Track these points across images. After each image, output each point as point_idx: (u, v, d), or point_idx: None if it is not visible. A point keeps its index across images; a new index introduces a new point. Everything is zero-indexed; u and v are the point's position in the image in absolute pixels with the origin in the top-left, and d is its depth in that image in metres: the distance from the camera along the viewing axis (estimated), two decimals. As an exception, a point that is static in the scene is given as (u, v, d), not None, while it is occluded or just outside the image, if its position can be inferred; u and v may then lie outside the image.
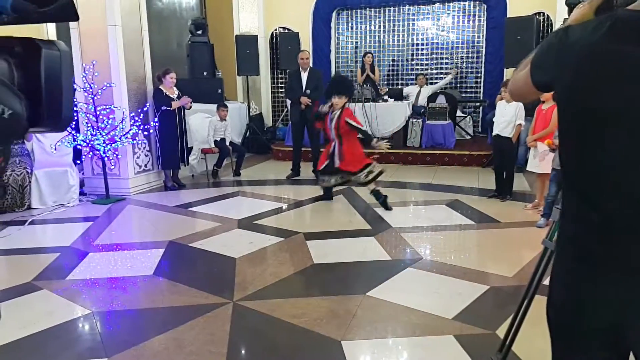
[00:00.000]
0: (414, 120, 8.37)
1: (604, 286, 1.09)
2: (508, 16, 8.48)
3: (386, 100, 8.49)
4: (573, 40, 1.11)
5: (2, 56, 0.45)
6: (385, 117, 8.23)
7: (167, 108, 6.26)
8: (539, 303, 2.78)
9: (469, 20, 9.73)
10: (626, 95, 1.03)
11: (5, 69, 0.44)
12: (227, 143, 7.20)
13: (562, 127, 1.18)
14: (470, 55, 9.84)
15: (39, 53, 0.46)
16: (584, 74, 1.08)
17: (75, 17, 0.53)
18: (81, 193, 6.06)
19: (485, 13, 9.40)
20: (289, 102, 8.03)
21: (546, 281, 3.14)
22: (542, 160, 4.93)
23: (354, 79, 9.78)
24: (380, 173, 5.35)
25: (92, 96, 5.76)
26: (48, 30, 7.48)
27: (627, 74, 1.03)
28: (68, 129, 5.61)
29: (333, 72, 10.35)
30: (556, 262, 1.22)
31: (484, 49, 9.52)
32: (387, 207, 5.26)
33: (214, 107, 7.33)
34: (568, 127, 1.16)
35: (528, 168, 5.31)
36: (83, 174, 6.37)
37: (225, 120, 7.17)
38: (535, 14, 8.11)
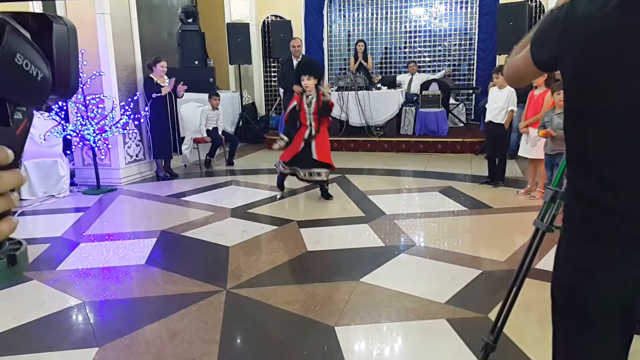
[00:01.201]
0: (407, 108, 8.34)
1: (619, 267, 1.07)
2: (500, 2, 8.44)
3: (379, 88, 8.45)
4: (581, 14, 1.07)
5: (23, 28, 0.47)
6: (379, 105, 8.20)
7: (158, 94, 6.20)
8: (530, 287, 2.79)
9: (461, 8, 9.68)
10: None
11: (29, 38, 0.47)
12: (220, 132, 7.15)
13: (570, 104, 1.14)
14: (462, 42, 9.80)
15: (51, 27, 0.49)
16: (597, 48, 1.04)
17: None
18: (72, 184, 6.01)
19: (478, 0, 9.35)
20: (281, 90, 7.98)
21: (538, 263, 3.12)
22: (534, 145, 4.94)
23: (347, 67, 9.75)
24: (326, 181, 5.21)
25: (82, 85, 5.68)
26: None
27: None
28: (57, 118, 5.56)
29: (326, 61, 10.29)
30: (563, 244, 1.19)
31: (476, 36, 9.48)
32: (328, 196, 5.27)
33: (205, 96, 7.27)
34: (578, 104, 1.12)
35: (520, 153, 5.32)
36: (73, 164, 6.31)
37: (217, 109, 7.11)
38: (527, 0, 8.07)
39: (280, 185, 5.56)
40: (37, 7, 6.35)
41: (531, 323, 2.68)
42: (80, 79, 5.56)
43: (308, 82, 4.98)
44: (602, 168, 1.07)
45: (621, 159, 1.05)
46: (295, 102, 5.10)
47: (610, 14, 1.02)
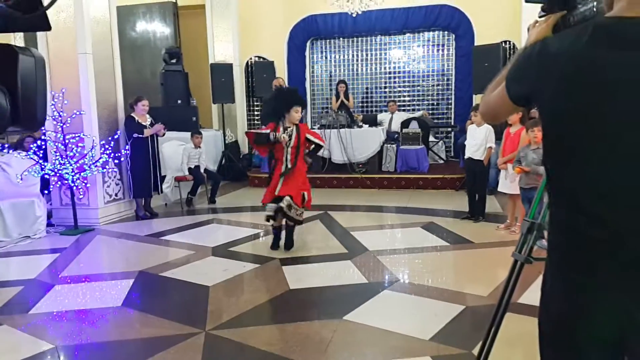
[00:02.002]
0: (389, 145, 8.46)
1: (608, 297, 1.07)
2: (475, 45, 8.75)
3: (361, 126, 8.59)
4: (555, 51, 1.10)
5: None
6: (361, 142, 8.31)
7: (139, 135, 6.18)
8: (514, 322, 2.77)
9: (438, 50, 10.02)
10: (618, 100, 1.02)
11: None
12: (202, 170, 7.13)
13: (548, 138, 1.16)
14: (440, 83, 10.09)
15: (16, 58, 0.49)
16: (571, 84, 1.08)
17: (48, 27, 0.56)
18: (49, 224, 5.86)
19: (454, 42, 9.69)
20: (264, 129, 8.04)
21: (521, 298, 3.10)
22: (512, 181, 5.02)
23: (329, 106, 9.91)
24: (298, 222, 4.64)
25: (61, 124, 5.65)
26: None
27: (616, 79, 1.03)
28: (35, 157, 5.48)
29: (309, 100, 10.45)
30: (550, 274, 1.18)
31: (453, 77, 9.78)
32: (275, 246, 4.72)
33: (188, 134, 7.28)
34: (555, 138, 1.14)
35: (499, 189, 5.40)
36: (51, 204, 6.18)
37: (199, 147, 7.11)
38: (501, 42, 8.40)
39: (275, 245, 4.75)
40: (19, 40, 6.37)
41: (515, 359, 2.64)
42: (60, 118, 5.57)
43: (300, 114, 4.55)
44: (585, 200, 1.08)
45: (603, 191, 1.06)
46: (269, 131, 4.48)
47: (582, 50, 1.06)
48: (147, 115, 6.38)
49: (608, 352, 1.12)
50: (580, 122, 1.07)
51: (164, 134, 6.55)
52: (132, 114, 6.27)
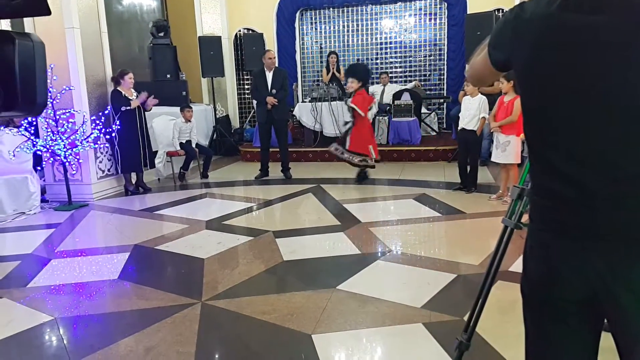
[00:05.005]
0: (380, 117, 8.46)
1: (580, 257, 1.10)
2: (468, 13, 8.64)
3: (352, 99, 8.53)
4: (529, 15, 1.13)
5: None
6: (352, 115, 8.27)
7: (127, 108, 6.12)
8: (507, 290, 2.85)
9: (430, 19, 9.90)
10: (584, 63, 1.05)
11: None
12: (194, 145, 7.11)
13: (526, 102, 1.19)
14: (432, 53, 10.01)
15: (14, 44, 0.49)
16: (543, 46, 1.10)
17: (48, 12, 0.55)
18: (43, 200, 5.87)
19: (446, 11, 9.59)
20: (255, 102, 8.00)
21: (513, 265, 3.17)
22: (504, 151, 5.05)
23: (320, 78, 9.83)
24: (369, 166, 6.42)
25: (51, 100, 5.59)
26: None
27: (582, 42, 1.05)
28: (27, 134, 5.44)
29: (299, 73, 10.37)
30: (530, 237, 1.22)
31: (445, 47, 9.71)
32: (362, 178, 6.49)
33: (178, 109, 7.22)
34: (532, 101, 1.16)
35: (492, 159, 5.43)
36: (44, 180, 6.17)
37: (190, 121, 7.07)
38: (494, 10, 8.29)
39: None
40: (4, 24, 6.23)
41: (508, 325, 2.71)
42: (50, 94, 5.49)
43: (350, 84, 6.27)
44: (560, 161, 1.11)
45: (578, 152, 1.08)
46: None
47: (553, 13, 1.08)
48: (133, 90, 6.32)
49: (582, 314, 1.16)
50: (553, 85, 1.09)
51: (151, 109, 6.50)
52: (118, 88, 6.20)
